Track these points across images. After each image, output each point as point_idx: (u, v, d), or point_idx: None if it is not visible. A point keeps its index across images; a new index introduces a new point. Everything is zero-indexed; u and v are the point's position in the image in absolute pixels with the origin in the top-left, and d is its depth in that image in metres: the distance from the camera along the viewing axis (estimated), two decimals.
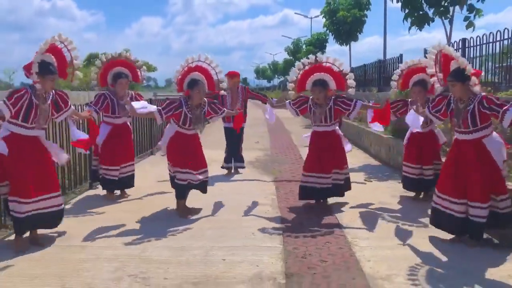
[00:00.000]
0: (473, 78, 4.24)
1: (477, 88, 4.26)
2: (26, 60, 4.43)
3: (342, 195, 5.88)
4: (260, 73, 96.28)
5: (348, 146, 5.93)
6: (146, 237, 4.67)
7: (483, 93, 4.31)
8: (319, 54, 5.81)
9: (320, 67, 5.63)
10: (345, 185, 5.88)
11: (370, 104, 6.02)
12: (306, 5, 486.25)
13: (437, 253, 4.20)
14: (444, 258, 4.08)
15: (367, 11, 21.36)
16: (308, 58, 5.69)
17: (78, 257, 4.14)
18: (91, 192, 6.67)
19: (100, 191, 6.52)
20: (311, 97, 5.70)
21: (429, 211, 4.75)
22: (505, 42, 6.40)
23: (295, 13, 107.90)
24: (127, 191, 6.45)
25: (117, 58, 6.29)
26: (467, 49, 7.39)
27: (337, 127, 5.82)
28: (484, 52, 7.01)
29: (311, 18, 45.82)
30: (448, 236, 4.50)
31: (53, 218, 4.52)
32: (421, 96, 5.69)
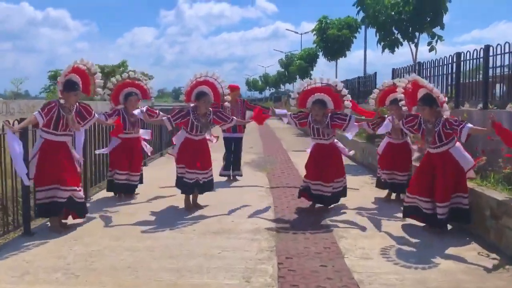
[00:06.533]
0: (445, 105, 5.23)
1: (447, 113, 5.26)
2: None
3: (338, 201, 6.53)
4: (251, 84, 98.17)
5: (347, 151, 6.58)
6: (170, 213, 6.35)
7: (445, 117, 5.26)
8: (322, 76, 6.38)
9: (321, 88, 6.23)
10: (343, 192, 6.51)
11: (363, 117, 6.78)
12: (297, 18, 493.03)
13: (408, 236, 5.22)
14: (414, 240, 5.10)
15: (356, 33, 23.00)
16: (311, 79, 6.40)
17: (126, 224, 5.80)
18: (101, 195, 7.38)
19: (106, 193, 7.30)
20: (311, 113, 6.32)
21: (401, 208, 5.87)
22: (450, 65, 8.15)
23: (286, 29, 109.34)
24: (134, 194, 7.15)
25: (127, 79, 7.10)
26: (422, 70, 9.17)
27: (335, 140, 6.42)
28: (435, 73, 8.77)
29: (301, 34, 47.93)
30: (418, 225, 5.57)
31: (80, 206, 5.51)
32: (397, 113, 6.46)
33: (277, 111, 6.75)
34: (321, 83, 6.30)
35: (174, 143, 6.56)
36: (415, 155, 6.80)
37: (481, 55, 6.91)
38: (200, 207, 6.46)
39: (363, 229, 5.50)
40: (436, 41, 11.53)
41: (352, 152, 6.87)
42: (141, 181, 7.34)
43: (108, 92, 7.05)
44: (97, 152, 7.21)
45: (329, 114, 6.23)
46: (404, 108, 5.77)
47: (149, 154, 7.36)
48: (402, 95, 5.71)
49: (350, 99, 6.43)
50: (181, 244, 4.88)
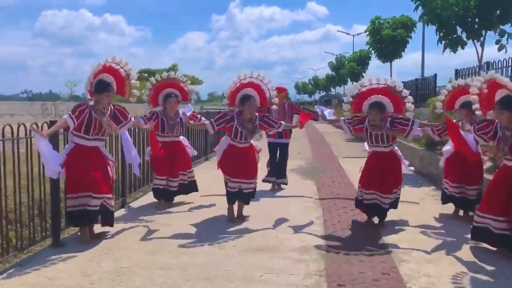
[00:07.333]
0: None
1: None
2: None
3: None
4: (300, 88, 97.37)
5: (406, 164, 5.88)
6: (211, 225, 5.85)
7: None
8: (378, 76, 5.72)
9: (378, 89, 5.57)
10: (393, 204, 5.80)
11: (427, 122, 6.09)
12: (349, 20, 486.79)
13: (481, 263, 4.46)
14: (489, 268, 4.33)
15: (412, 32, 21.76)
16: (363, 77, 5.78)
17: (162, 237, 5.36)
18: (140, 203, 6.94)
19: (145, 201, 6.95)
20: (367, 117, 5.63)
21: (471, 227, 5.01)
22: None
23: (338, 30, 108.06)
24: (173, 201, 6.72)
25: (166, 79, 6.66)
26: (492, 70, 8.25)
27: (395, 147, 5.75)
28: (508, 74, 7.84)
29: (353, 35, 46.73)
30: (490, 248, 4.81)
31: (110, 215, 5.11)
32: (468, 119, 5.65)
33: (327, 114, 6.16)
34: (378, 83, 5.60)
35: (215, 150, 6.03)
36: (486, 164, 5.97)
37: None
38: (244, 219, 5.91)
39: (428, 251, 4.76)
40: (507, 40, 10.45)
41: (411, 168, 6.06)
42: (195, 188, 6.86)
43: (147, 93, 6.65)
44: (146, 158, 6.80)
45: (389, 119, 5.53)
46: (478, 112, 4.96)
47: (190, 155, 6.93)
48: (476, 97, 4.90)
49: (412, 100, 5.66)
50: (220, 262, 4.36)
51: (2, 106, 22.30)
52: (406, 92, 5.62)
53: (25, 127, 4.48)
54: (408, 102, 5.55)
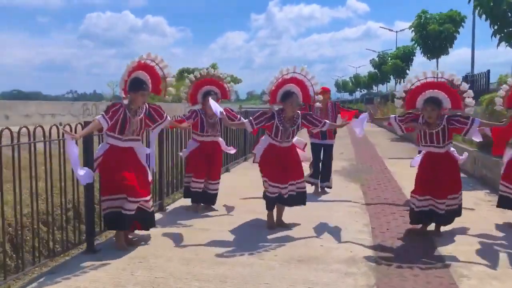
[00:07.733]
0: None
1: None
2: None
3: (452, 221, 5.34)
4: (341, 86, 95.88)
5: (460, 158, 5.37)
6: (251, 231, 5.55)
7: None
8: (434, 69, 5.33)
9: (434, 83, 5.14)
10: (458, 211, 5.32)
11: (487, 121, 5.73)
12: (390, 17, 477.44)
13: None
14: None
15: (461, 27, 20.79)
16: (407, 74, 5.31)
17: (199, 244, 5.10)
18: (177, 204, 6.76)
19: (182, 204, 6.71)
20: (422, 114, 5.21)
21: None
22: None
23: (380, 27, 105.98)
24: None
25: (205, 76, 6.42)
26: None
27: (451, 148, 5.29)
28: None
29: (396, 32, 45.46)
30: None
31: (148, 218, 4.87)
32: None
33: (358, 131, 5.69)
34: (434, 77, 5.14)
35: (254, 151, 5.69)
36: None
37: None
38: (285, 226, 5.54)
39: (491, 265, 4.28)
40: None
41: (463, 157, 5.46)
42: None
43: (186, 90, 6.41)
44: (180, 154, 6.66)
45: (446, 116, 5.07)
46: None
47: (231, 152, 6.84)
48: None
49: (472, 95, 5.13)
50: (259, 274, 4.04)
51: (45, 106, 22.81)
52: (465, 86, 5.14)
53: (57, 128, 4.30)
54: (468, 97, 5.07)
